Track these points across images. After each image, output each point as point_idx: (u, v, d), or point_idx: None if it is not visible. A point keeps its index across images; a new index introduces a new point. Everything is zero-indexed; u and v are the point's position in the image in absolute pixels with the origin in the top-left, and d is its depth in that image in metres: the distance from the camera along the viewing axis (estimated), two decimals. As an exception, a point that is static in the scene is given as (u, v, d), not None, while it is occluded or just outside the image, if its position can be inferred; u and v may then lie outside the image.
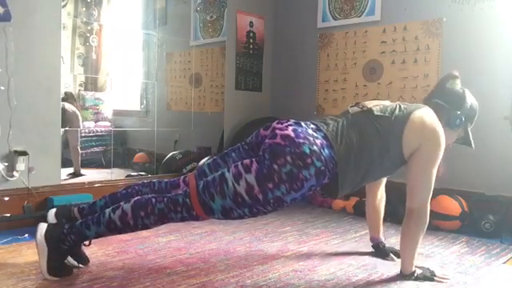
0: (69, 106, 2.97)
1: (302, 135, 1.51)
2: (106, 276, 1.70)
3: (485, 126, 2.58)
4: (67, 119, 2.98)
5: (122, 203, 1.63)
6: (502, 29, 2.60)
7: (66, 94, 2.99)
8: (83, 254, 1.80)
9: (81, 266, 1.77)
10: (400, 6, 3.04)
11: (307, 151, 1.47)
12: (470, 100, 1.79)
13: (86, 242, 1.73)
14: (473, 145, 1.81)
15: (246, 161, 1.52)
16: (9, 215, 2.30)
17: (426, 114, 1.69)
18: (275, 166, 1.45)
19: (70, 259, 1.74)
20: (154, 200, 1.59)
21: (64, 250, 1.66)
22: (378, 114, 1.68)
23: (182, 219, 1.58)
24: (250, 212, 1.51)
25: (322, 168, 1.50)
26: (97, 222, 1.62)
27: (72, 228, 1.65)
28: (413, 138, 1.65)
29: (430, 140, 1.65)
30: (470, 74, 2.71)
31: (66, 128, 2.94)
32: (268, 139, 1.54)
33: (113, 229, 1.61)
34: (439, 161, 1.68)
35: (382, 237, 2.09)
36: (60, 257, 1.66)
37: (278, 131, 1.53)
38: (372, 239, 2.11)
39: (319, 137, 1.55)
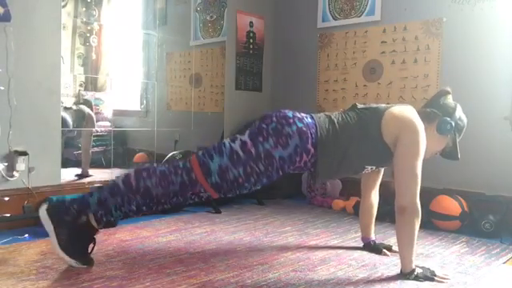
0: (88, 110, 3.06)
1: (287, 110, 1.78)
2: (106, 276, 1.70)
3: (485, 126, 2.59)
4: (84, 122, 3.05)
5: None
6: (502, 29, 2.60)
7: (84, 100, 3.08)
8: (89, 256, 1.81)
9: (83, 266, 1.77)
10: (400, 6, 3.04)
11: (290, 115, 1.73)
12: (460, 113, 1.88)
13: (89, 249, 1.77)
14: (459, 156, 1.87)
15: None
16: (9, 215, 2.30)
17: (405, 109, 1.82)
18: (263, 125, 1.70)
19: (74, 263, 1.74)
20: (155, 165, 1.72)
21: (68, 221, 1.69)
22: (361, 107, 1.88)
23: (182, 184, 1.67)
24: (244, 172, 1.65)
25: (304, 129, 1.69)
26: (98, 189, 1.71)
27: (74, 199, 1.72)
28: (391, 126, 1.75)
29: (407, 128, 1.73)
30: (469, 73, 2.72)
31: (82, 128, 3.02)
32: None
33: (115, 193, 1.68)
34: (422, 154, 1.72)
35: (372, 236, 2.15)
36: (67, 230, 1.69)
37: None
38: (363, 239, 2.17)
39: (304, 114, 1.79)
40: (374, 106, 1.88)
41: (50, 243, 1.71)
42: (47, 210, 1.71)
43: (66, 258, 1.69)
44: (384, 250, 2.07)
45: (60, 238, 1.68)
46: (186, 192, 1.68)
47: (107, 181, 2.83)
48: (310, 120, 1.75)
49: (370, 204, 2.12)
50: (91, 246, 1.79)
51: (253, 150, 1.65)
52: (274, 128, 1.68)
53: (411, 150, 1.71)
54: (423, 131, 1.74)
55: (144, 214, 2.69)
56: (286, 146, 1.66)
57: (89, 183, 2.75)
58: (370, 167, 1.90)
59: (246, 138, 1.69)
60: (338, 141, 1.74)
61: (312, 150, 1.71)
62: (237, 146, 1.67)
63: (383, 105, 1.88)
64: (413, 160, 1.70)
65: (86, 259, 1.75)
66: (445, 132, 1.83)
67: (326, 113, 1.88)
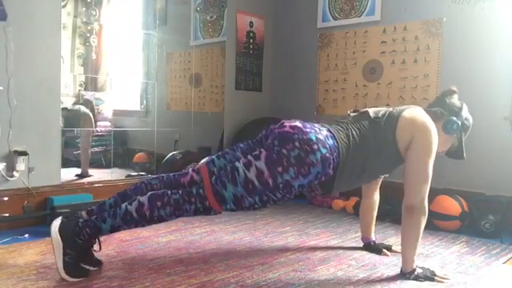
0: (84, 109, 3.03)
1: (308, 126, 1.66)
2: (106, 276, 1.70)
3: (485, 126, 2.59)
4: (82, 122, 3.04)
5: (138, 196, 1.68)
6: (502, 29, 2.60)
7: (84, 100, 3.06)
8: (94, 257, 1.78)
9: (93, 268, 1.75)
10: (400, 6, 3.04)
11: (313, 138, 1.59)
12: (466, 113, 1.87)
13: (97, 248, 1.74)
14: (464, 156, 1.86)
15: (255, 152, 1.63)
16: (8, 215, 2.30)
17: (417, 112, 1.80)
18: (284, 151, 1.57)
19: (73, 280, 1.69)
20: (169, 192, 1.65)
21: (79, 244, 1.65)
22: (374, 115, 1.80)
23: (196, 211, 1.64)
24: (261, 200, 1.59)
25: (328, 155, 1.60)
26: (113, 215, 1.65)
27: (87, 222, 1.66)
28: (405, 132, 1.74)
29: (421, 131, 1.73)
30: (470, 73, 2.72)
31: (81, 128, 3.01)
32: (277, 129, 1.67)
33: (129, 220, 1.65)
34: (434, 155, 1.72)
35: (373, 236, 2.15)
36: (75, 252, 1.64)
37: (286, 123, 1.67)
38: (363, 239, 2.17)
39: (324, 129, 1.69)
40: (386, 111, 1.81)
41: (55, 262, 1.64)
42: (60, 227, 1.65)
43: (68, 278, 1.63)
44: (384, 250, 2.07)
45: (66, 259, 1.62)
46: (198, 215, 1.68)
47: (106, 181, 2.86)
48: (331, 142, 1.64)
49: (371, 204, 2.12)
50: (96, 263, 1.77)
51: (270, 182, 1.55)
52: (296, 157, 1.56)
53: (425, 150, 1.71)
54: (436, 133, 1.73)
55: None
56: (307, 175, 1.58)
57: (88, 183, 2.75)
58: (382, 176, 1.95)
59: (262, 165, 1.56)
60: (357, 160, 1.71)
61: (331, 172, 1.66)
62: (252, 174, 1.56)
63: (394, 110, 1.82)
64: (426, 160, 1.70)
65: (84, 274, 1.68)
66: (451, 132, 1.82)
67: (341, 123, 1.78)
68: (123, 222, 1.65)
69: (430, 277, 1.75)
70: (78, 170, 3.01)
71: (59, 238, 1.63)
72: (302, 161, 1.56)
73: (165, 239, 2.23)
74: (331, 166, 1.63)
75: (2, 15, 2.24)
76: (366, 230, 2.15)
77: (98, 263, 1.79)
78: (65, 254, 1.63)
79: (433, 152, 1.71)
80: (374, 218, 2.14)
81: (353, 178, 1.77)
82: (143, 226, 1.69)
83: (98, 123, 3.26)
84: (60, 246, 1.63)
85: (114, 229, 1.68)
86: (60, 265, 1.62)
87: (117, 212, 1.65)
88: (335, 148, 1.64)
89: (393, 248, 2.09)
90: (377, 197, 2.13)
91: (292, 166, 1.56)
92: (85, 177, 2.95)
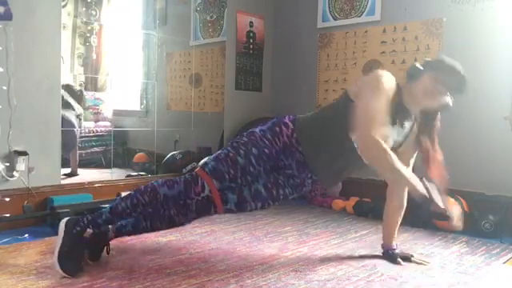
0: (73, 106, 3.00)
1: None
2: (106, 276, 1.70)
3: (485, 126, 2.59)
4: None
5: None
6: (502, 29, 2.60)
7: (66, 85, 2.90)
8: (99, 253, 1.86)
9: (89, 262, 1.80)
10: (400, 6, 3.04)
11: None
12: (439, 57, 1.77)
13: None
14: (451, 103, 1.70)
15: None
16: (9, 215, 2.30)
17: None
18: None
19: (63, 273, 1.69)
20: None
21: (74, 233, 1.72)
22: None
23: (186, 183, 1.75)
24: (232, 146, 1.80)
25: (280, 117, 1.86)
26: (113, 200, 1.84)
27: (93, 212, 1.81)
28: (357, 83, 1.79)
29: (362, 81, 1.77)
30: (469, 74, 2.70)
31: (78, 128, 3.00)
32: None
33: (127, 198, 1.78)
34: (381, 99, 1.62)
35: (394, 244, 1.99)
36: (70, 242, 1.69)
37: None
38: (383, 246, 2.02)
39: None
40: None
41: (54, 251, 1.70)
42: (67, 220, 1.76)
43: (58, 268, 1.65)
44: (398, 259, 1.93)
45: (62, 247, 1.68)
46: (190, 191, 1.73)
47: (106, 181, 2.86)
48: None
49: (392, 209, 1.97)
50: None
51: (239, 135, 1.86)
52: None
53: (368, 89, 1.66)
54: (384, 80, 1.65)
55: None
56: (265, 124, 1.85)
57: (88, 183, 2.75)
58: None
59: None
60: (317, 119, 1.83)
61: (290, 124, 1.80)
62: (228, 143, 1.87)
63: None
64: (369, 97, 1.63)
65: (75, 271, 1.69)
66: (411, 75, 1.74)
67: None
68: (121, 199, 1.78)
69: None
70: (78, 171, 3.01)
71: (63, 227, 1.73)
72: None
73: (165, 239, 2.23)
74: (286, 117, 1.84)
75: (8, 15, 2.24)
76: (387, 237, 2.00)
77: (96, 258, 1.84)
78: (63, 242, 1.70)
79: (378, 94, 1.62)
80: (398, 224, 1.97)
81: (319, 134, 1.77)
82: (138, 199, 1.76)
83: (98, 123, 3.26)
84: (61, 236, 1.71)
85: (112, 209, 1.77)
86: (56, 252, 1.68)
87: (116, 199, 1.86)
88: (289, 114, 1.89)
89: (412, 259, 1.94)
90: (402, 202, 1.95)
91: (255, 126, 1.88)
92: (74, 175, 2.95)
